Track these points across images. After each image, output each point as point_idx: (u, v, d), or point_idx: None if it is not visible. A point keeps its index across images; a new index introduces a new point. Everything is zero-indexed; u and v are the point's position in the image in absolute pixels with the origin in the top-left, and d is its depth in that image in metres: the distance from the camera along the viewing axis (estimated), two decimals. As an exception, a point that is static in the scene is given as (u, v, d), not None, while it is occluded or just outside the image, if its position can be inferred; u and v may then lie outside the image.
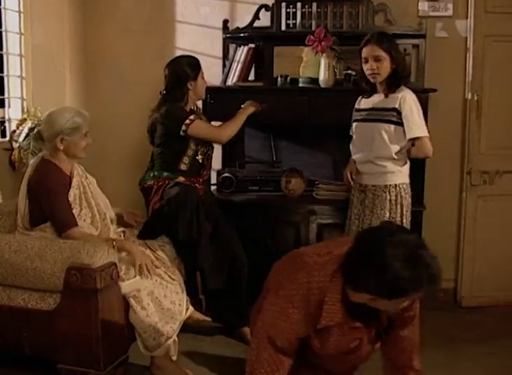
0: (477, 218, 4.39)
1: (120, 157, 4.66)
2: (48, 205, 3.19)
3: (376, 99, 3.68)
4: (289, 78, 4.26)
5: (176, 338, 3.35)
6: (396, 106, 3.57)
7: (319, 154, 4.43)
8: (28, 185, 3.27)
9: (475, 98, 4.28)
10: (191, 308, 3.53)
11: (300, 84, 4.23)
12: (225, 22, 4.51)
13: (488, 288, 4.43)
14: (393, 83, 3.59)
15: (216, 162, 4.35)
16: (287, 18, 4.37)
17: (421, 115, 3.60)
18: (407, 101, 3.55)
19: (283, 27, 4.38)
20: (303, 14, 4.35)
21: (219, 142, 3.98)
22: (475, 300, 4.44)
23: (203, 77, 3.89)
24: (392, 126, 3.58)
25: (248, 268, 3.80)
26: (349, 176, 3.81)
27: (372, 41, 3.56)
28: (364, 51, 3.59)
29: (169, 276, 3.37)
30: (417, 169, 3.93)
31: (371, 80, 3.64)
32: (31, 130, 4.00)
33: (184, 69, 3.82)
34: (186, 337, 3.64)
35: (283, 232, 4.13)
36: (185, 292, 3.45)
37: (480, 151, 4.34)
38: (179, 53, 4.65)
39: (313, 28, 4.25)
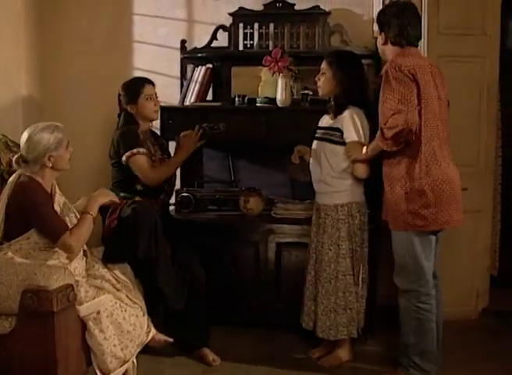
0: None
1: (79, 178, 4.61)
2: (37, 217, 3.13)
3: (330, 118, 3.73)
4: (246, 98, 4.29)
5: (135, 361, 3.32)
6: (339, 126, 3.62)
7: (277, 173, 4.45)
8: (8, 202, 3.19)
9: (429, 117, 4.35)
10: (153, 331, 3.49)
11: (258, 104, 4.26)
12: (183, 42, 4.54)
13: (444, 304, 4.43)
14: (340, 105, 3.63)
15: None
16: (244, 38, 4.43)
17: (360, 132, 3.58)
18: (345, 120, 3.59)
19: (241, 48, 4.44)
20: (260, 35, 4.41)
21: (148, 183, 3.85)
22: (432, 316, 4.48)
23: (149, 99, 3.85)
24: (336, 146, 3.62)
25: (207, 288, 3.79)
26: (296, 154, 3.88)
27: (326, 56, 3.70)
28: None
29: (130, 300, 3.35)
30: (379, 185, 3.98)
31: (319, 93, 3.75)
32: (-15, 151, 3.95)
33: (122, 92, 3.89)
34: (145, 359, 3.61)
35: (242, 251, 4.13)
36: (146, 315, 3.42)
37: (435, 169, 4.40)
38: (137, 73, 4.68)
39: (270, 48, 4.31)
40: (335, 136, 3.63)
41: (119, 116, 3.94)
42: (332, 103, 3.68)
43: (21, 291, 2.92)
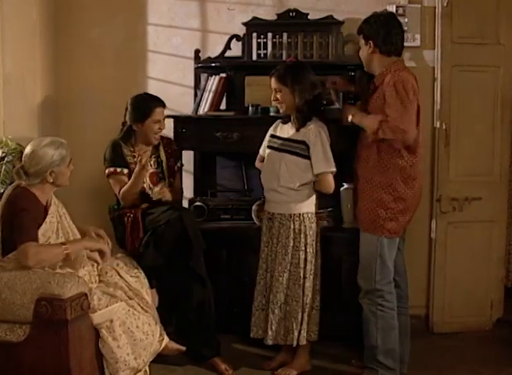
0: (447, 244, 4.43)
1: (91, 186, 4.63)
2: (16, 221, 3.13)
3: (291, 129, 3.77)
4: (260, 107, 4.30)
5: (148, 369, 3.32)
6: (305, 139, 3.66)
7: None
8: (1, 214, 3.23)
9: (444, 126, 4.34)
10: (166, 339, 3.49)
11: (271, 113, 4.25)
12: (197, 52, 4.54)
13: (459, 314, 4.46)
14: (302, 117, 3.68)
15: (188, 190, 4.37)
16: (258, 48, 4.42)
17: (327, 148, 3.67)
18: (312, 135, 3.65)
19: (254, 57, 4.43)
20: (273, 44, 4.41)
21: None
22: (447, 326, 4.47)
23: (155, 122, 3.89)
24: (300, 159, 3.68)
25: (220, 297, 3.80)
26: (254, 214, 4.09)
27: (274, 74, 3.72)
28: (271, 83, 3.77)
29: (142, 308, 3.36)
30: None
31: (280, 110, 3.80)
32: (1, 159, 3.97)
33: (130, 108, 3.93)
34: (157, 368, 3.62)
35: (255, 260, 4.12)
36: (159, 323, 3.43)
37: (449, 178, 4.39)
38: (150, 82, 4.72)
39: (284, 58, 4.31)
40: (299, 149, 3.68)
41: (123, 125, 4.01)
42: (295, 116, 3.71)
43: (35, 299, 2.94)
